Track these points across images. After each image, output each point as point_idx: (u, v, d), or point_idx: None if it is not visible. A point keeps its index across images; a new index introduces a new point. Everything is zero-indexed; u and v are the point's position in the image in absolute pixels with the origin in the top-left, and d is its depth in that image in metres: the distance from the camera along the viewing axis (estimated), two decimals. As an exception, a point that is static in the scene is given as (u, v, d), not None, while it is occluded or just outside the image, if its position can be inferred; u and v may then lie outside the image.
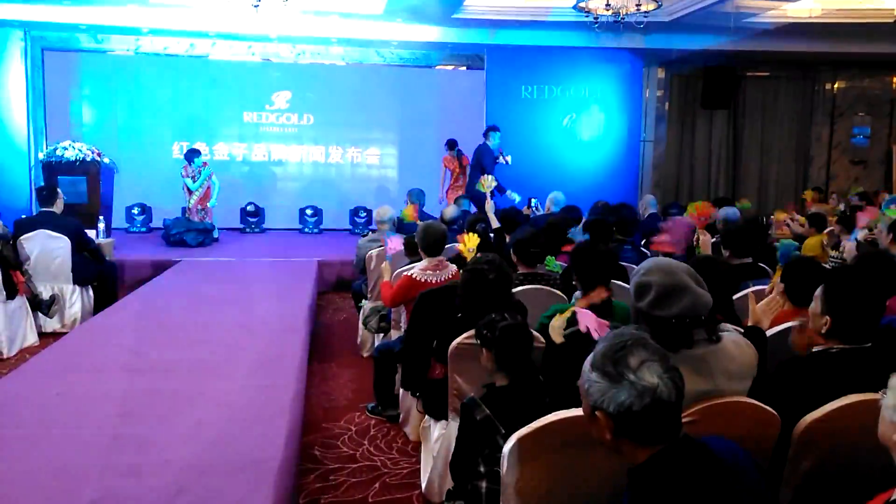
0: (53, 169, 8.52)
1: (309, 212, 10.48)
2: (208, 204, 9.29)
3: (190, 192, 9.19)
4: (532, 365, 2.54)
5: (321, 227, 10.48)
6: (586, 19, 6.69)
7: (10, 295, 5.23)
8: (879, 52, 9.97)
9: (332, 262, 7.87)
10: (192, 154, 9.24)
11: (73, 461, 2.67)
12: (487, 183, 6.47)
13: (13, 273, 5.28)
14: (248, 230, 10.29)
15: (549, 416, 1.88)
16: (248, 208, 10.38)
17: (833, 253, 5.15)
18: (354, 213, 10.53)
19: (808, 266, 3.04)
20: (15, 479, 2.53)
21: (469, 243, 3.32)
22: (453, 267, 3.87)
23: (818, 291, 2.30)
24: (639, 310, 2.04)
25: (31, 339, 5.45)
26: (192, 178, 9.16)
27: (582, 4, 6.29)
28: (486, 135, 8.87)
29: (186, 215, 9.24)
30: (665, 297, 1.97)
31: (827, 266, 4.07)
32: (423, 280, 3.73)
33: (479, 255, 3.26)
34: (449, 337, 2.91)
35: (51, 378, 3.68)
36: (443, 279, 3.75)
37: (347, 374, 4.88)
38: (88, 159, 8.75)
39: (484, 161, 8.63)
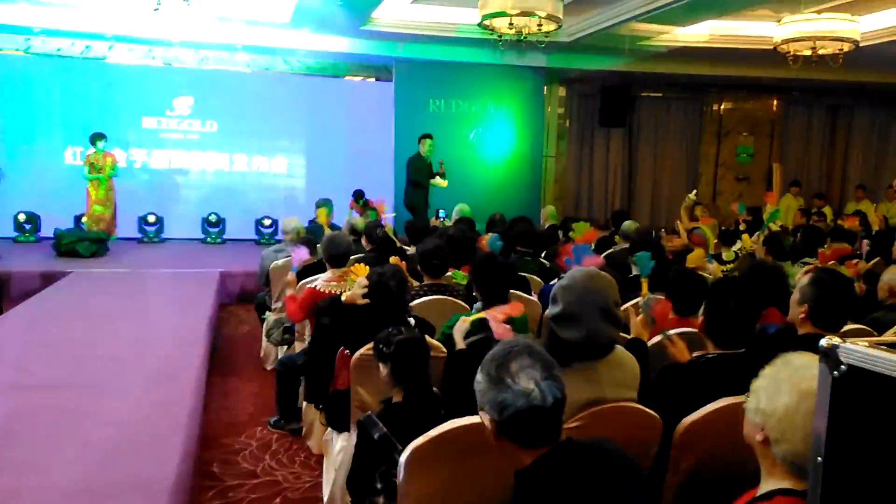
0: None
1: (212, 219, 10.18)
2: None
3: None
4: (427, 379, 2.58)
5: (224, 237, 10.21)
6: (491, 37, 6.87)
7: None
8: (761, 77, 10.74)
9: (235, 273, 7.69)
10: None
11: (-54, 487, 2.51)
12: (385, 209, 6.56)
13: None
14: (146, 240, 9.89)
15: (445, 424, 1.94)
16: (147, 217, 9.98)
17: (725, 267, 5.54)
18: (260, 222, 10.32)
19: (690, 278, 3.27)
20: None
21: (359, 273, 3.32)
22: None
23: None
24: (545, 317, 2.15)
25: None
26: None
27: (486, 22, 6.44)
28: (419, 141, 8.84)
29: (82, 223, 8.78)
30: (568, 320, 2.09)
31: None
32: (327, 292, 3.72)
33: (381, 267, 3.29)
34: (351, 346, 2.93)
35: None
36: (344, 289, 3.76)
37: (250, 388, 4.80)
38: (-30, 164, 8.20)
39: (419, 176, 8.62)
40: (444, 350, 2.97)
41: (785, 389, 1.47)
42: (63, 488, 2.52)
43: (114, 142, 9.96)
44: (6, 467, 2.67)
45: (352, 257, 4.11)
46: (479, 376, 1.61)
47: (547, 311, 2.19)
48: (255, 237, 10.26)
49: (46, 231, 9.26)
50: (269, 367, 5.16)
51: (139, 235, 9.90)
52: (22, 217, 9.38)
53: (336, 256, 3.85)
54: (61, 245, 8.17)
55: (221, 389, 4.70)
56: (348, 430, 3.06)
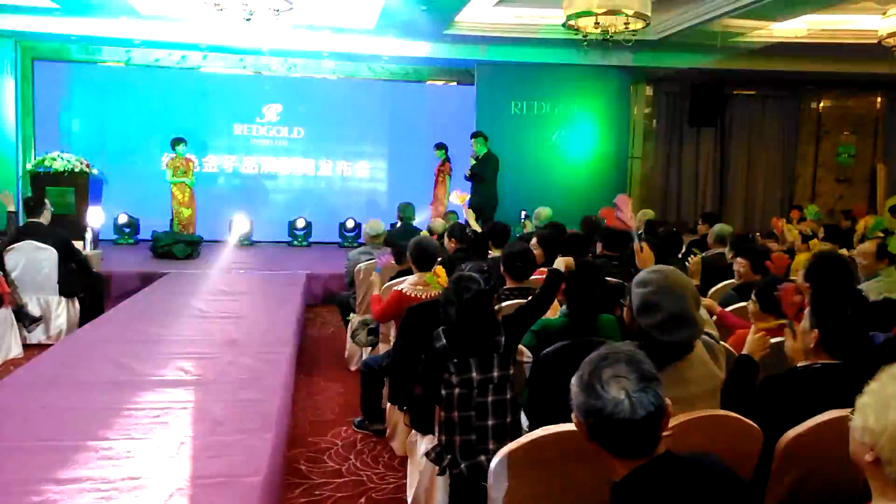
0: (41, 179, 8.47)
1: (298, 224, 10.46)
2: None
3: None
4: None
5: (310, 239, 10.47)
6: (575, 37, 6.75)
7: (-5, 306, 5.19)
8: (864, 73, 10.13)
9: (320, 275, 7.86)
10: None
11: (55, 475, 2.64)
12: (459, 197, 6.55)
13: (-1, 283, 5.24)
14: (239, 243, 10.25)
15: (538, 430, 1.89)
16: (237, 221, 10.34)
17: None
18: (343, 226, 10.53)
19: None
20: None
21: (441, 277, 3.30)
22: (442, 281, 3.87)
23: (808, 308, 2.35)
24: (641, 325, 2.07)
25: (16, 350, 5.39)
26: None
27: (571, 23, 6.33)
28: (484, 140, 8.94)
29: (174, 227, 9.21)
30: (671, 325, 2.02)
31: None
32: (412, 295, 3.73)
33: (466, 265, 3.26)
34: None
35: (35, 391, 3.64)
36: (432, 294, 3.75)
37: (334, 388, 4.87)
38: (77, 170, 8.71)
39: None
40: (530, 355, 2.91)
41: (894, 405, 1.37)
42: (161, 480, 2.61)
43: (207, 148, 10.43)
44: (107, 459, 2.79)
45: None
46: (573, 380, 1.57)
47: (639, 319, 2.10)
48: (339, 240, 10.46)
49: (144, 234, 9.75)
50: (353, 368, 5.23)
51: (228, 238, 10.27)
52: (122, 220, 9.90)
53: (423, 259, 3.84)
54: (158, 247, 8.57)
55: (307, 389, 4.79)
56: (433, 433, 3.04)
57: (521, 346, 2.91)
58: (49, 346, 5.24)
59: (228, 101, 10.50)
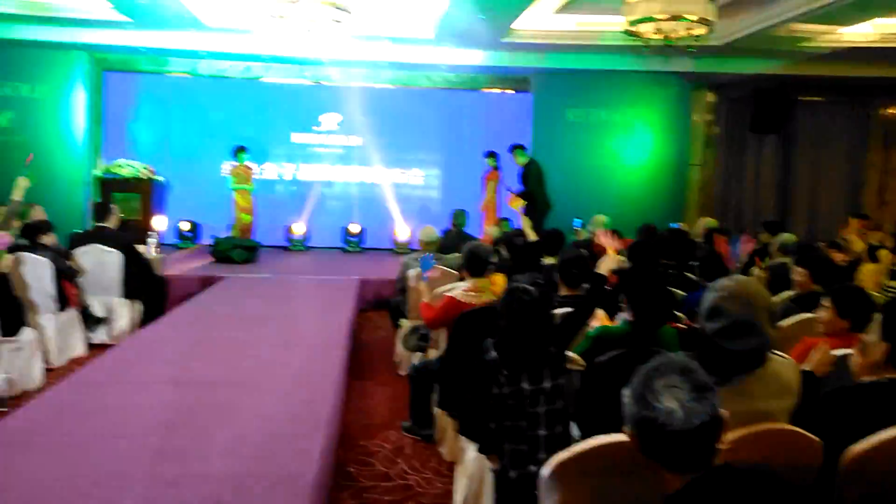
0: (109, 185, 8.79)
1: (352, 230, 10.60)
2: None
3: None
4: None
5: (363, 245, 10.59)
6: (636, 43, 6.64)
7: (63, 306, 5.40)
8: (936, 78, 9.67)
9: (372, 280, 7.92)
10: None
11: (116, 470, 2.72)
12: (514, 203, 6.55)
13: (66, 285, 5.45)
14: (292, 248, 10.45)
15: (590, 440, 1.86)
16: (293, 227, 10.55)
17: (891, 283, 4.97)
18: (395, 232, 10.62)
19: (859, 294, 2.97)
20: (60, 486, 2.59)
21: (497, 282, 3.30)
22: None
23: (878, 320, 2.24)
24: (704, 330, 2.02)
25: (80, 349, 5.60)
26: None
27: (632, 29, 6.24)
28: (524, 152, 9.07)
29: (234, 232, 9.44)
30: (735, 332, 1.97)
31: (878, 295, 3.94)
32: (465, 301, 3.71)
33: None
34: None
35: (98, 389, 3.77)
36: (485, 301, 3.74)
37: (384, 392, 4.89)
38: (143, 177, 9.02)
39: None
40: (583, 363, 2.86)
41: None
42: (218, 477, 2.66)
43: (266, 156, 10.67)
44: (169, 455, 2.87)
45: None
46: (625, 391, 1.53)
47: (704, 323, 2.05)
48: (391, 246, 10.55)
49: (204, 238, 10.03)
50: (402, 373, 5.24)
51: (286, 244, 10.48)
52: (184, 226, 10.21)
53: (476, 266, 3.83)
54: (217, 252, 8.80)
55: (358, 392, 4.82)
56: (482, 440, 3.02)
57: (572, 354, 2.86)
58: (111, 346, 5.43)
59: (288, 110, 10.71)
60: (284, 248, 10.42)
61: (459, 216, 7.10)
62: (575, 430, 2.69)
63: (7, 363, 4.41)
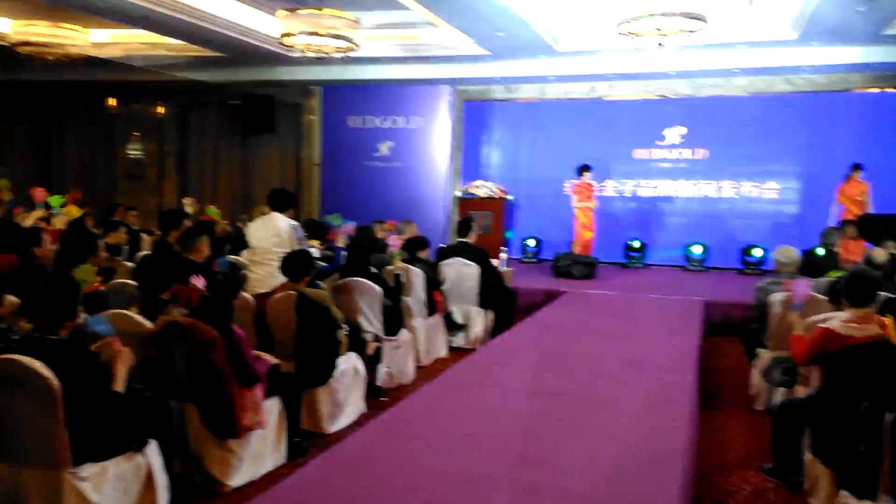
0: (467, 204, 9.70)
1: (695, 249, 10.11)
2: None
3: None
4: None
5: (706, 264, 10.03)
6: None
7: (431, 312, 6.09)
8: None
9: (718, 302, 7.43)
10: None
11: (484, 472, 2.92)
12: None
13: (435, 294, 6.15)
14: (629, 265, 10.35)
15: None
16: (632, 243, 10.44)
17: None
18: (746, 251, 9.83)
19: None
20: (436, 478, 2.86)
21: (890, 328, 2.80)
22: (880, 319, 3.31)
23: None
24: None
25: (443, 352, 6.28)
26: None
27: None
28: None
29: (574, 248, 9.68)
30: None
31: None
32: (845, 334, 3.26)
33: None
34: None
35: (463, 390, 4.14)
36: (869, 334, 3.24)
37: (738, 427, 4.53)
38: (495, 196, 9.77)
39: None
40: None
41: None
42: (575, 493, 2.71)
43: (607, 173, 10.76)
44: (530, 464, 3.00)
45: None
46: None
47: None
48: (739, 266, 9.81)
49: (546, 254, 10.47)
50: (758, 408, 4.80)
51: (623, 260, 10.41)
52: (529, 242, 10.79)
53: (858, 293, 3.33)
54: (558, 267, 9.11)
55: (709, 423, 4.54)
56: (873, 498, 2.61)
57: None
58: (468, 350, 5.97)
59: (630, 126, 10.68)
60: (622, 265, 10.37)
61: (830, 235, 6.28)
62: None
63: (389, 359, 5.11)
